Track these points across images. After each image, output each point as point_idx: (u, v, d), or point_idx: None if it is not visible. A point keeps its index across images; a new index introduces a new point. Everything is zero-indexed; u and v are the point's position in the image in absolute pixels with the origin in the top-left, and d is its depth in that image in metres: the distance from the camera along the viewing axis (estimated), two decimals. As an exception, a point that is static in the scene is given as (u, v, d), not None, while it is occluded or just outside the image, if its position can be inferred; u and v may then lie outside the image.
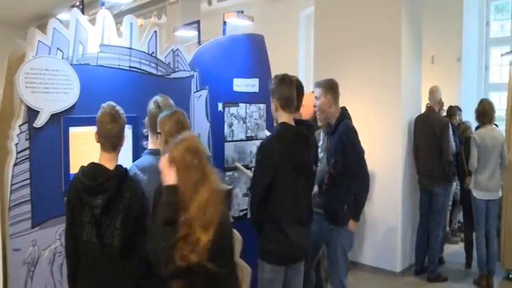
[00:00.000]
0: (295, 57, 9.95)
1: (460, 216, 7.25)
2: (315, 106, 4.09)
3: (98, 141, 2.79)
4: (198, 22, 6.21)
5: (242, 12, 4.80)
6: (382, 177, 6.05)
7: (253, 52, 4.68)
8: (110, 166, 2.73)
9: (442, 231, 6.22)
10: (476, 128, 5.94)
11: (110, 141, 2.76)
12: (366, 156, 5.92)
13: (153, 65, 3.83)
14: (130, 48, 3.67)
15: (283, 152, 3.22)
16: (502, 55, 7.78)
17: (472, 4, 9.26)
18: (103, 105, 2.83)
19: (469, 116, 7.52)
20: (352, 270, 5.84)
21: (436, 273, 5.86)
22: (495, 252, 5.72)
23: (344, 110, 4.06)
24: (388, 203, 6.05)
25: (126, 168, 2.82)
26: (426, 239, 5.94)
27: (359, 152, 3.93)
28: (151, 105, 3.20)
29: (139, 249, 2.62)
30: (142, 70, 3.76)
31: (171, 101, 3.26)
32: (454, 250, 6.96)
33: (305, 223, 3.38)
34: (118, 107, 2.83)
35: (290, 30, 9.99)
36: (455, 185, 6.71)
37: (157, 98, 3.23)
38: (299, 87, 3.84)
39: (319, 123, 4.20)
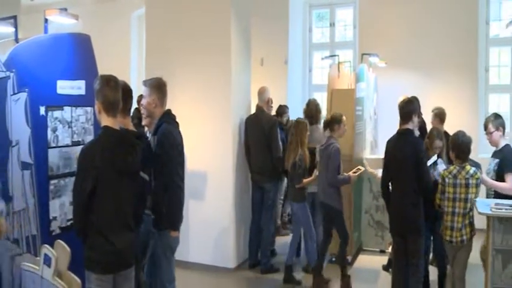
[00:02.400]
0: (127, 58, 9.74)
1: (289, 209, 7.68)
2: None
3: None
4: (14, 17, 5.68)
5: (66, 9, 4.52)
6: (214, 177, 6.22)
7: (78, 52, 4.45)
8: None
9: (273, 225, 6.58)
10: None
11: None
12: (198, 157, 6.07)
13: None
14: None
15: (105, 157, 3.12)
16: (322, 59, 8.45)
17: (296, 11, 9.93)
18: None
19: (296, 114, 8.06)
20: (185, 270, 5.90)
21: (269, 265, 6.18)
22: (319, 239, 6.19)
23: (166, 113, 3.99)
24: (221, 202, 6.23)
25: None
26: (259, 233, 6.22)
27: (172, 163, 3.83)
28: None
29: None
30: None
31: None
32: (285, 241, 7.38)
33: (131, 227, 3.32)
34: None
35: (122, 31, 9.75)
36: (285, 181, 7.14)
37: None
38: (129, 91, 3.77)
39: (143, 123, 4.13)
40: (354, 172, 5.60)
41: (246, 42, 6.66)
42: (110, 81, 3.26)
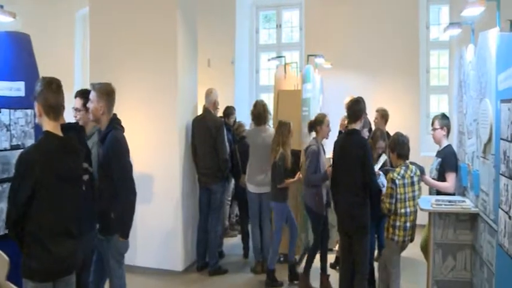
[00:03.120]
0: (71, 59, 9.47)
1: (237, 210, 7.70)
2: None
3: None
4: None
5: (2, 7, 4.35)
6: (161, 180, 6.14)
7: (17, 52, 4.31)
8: None
9: (221, 226, 6.57)
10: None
11: None
12: (144, 160, 5.99)
13: None
14: None
15: (45, 162, 3.02)
16: (268, 60, 8.51)
17: (243, 12, 9.96)
18: None
19: (243, 115, 8.10)
20: (132, 274, 5.79)
21: (217, 267, 6.16)
22: (268, 240, 6.24)
23: (114, 119, 3.91)
24: (168, 204, 6.16)
25: None
26: (206, 235, 6.19)
27: (125, 169, 3.79)
28: None
29: None
30: None
31: None
32: (233, 242, 7.42)
33: (74, 234, 3.22)
34: None
35: (65, 31, 9.47)
36: (233, 182, 7.15)
37: None
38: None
39: (80, 123, 4.07)
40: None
41: (193, 43, 6.62)
42: (51, 84, 3.15)
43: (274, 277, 5.78)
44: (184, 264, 6.28)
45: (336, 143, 5.05)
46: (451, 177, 5.01)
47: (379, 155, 5.39)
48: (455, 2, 7.22)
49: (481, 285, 4.26)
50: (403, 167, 4.81)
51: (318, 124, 5.65)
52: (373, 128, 6.69)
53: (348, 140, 4.88)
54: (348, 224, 4.87)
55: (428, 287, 4.73)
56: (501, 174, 3.63)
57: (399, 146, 4.86)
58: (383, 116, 6.70)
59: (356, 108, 4.90)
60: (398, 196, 4.74)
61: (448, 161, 5.08)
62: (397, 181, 4.73)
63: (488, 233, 4.02)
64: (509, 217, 3.39)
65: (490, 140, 4.02)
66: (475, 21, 5.02)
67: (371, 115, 6.79)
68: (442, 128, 5.20)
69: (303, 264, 5.75)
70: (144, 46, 6.23)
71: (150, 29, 6.20)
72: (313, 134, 5.84)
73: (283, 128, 5.76)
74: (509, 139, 3.46)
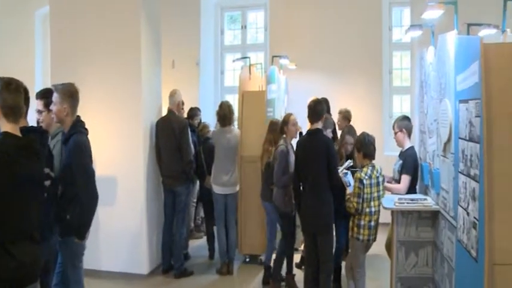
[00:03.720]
0: (32, 59, 9.25)
1: (202, 212, 7.65)
2: None
3: None
4: None
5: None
6: (125, 182, 6.06)
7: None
8: None
9: (186, 228, 6.53)
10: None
11: None
12: (107, 162, 5.91)
13: None
14: None
15: (4, 165, 2.92)
16: (233, 61, 8.50)
17: (208, 13, 9.94)
18: None
19: (208, 117, 8.07)
20: (97, 279, 5.72)
21: (182, 269, 6.11)
22: (234, 241, 6.25)
23: (77, 121, 3.84)
24: (132, 208, 6.07)
25: None
26: (171, 237, 6.14)
27: (87, 174, 3.74)
28: None
29: None
30: None
31: None
32: (199, 244, 7.38)
33: (36, 239, 3.12)
34: None
35: (25, 30, 9.24)
36: (197, 183, 7.11)
37: None
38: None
39: (43, 126, 3.96)
40: None
41: (157, 44, 6.55)
42: (10, 84, 3.02)
43: (271, 273, 5.79)
44: (150, 268, 6.21)
45: (299, 143, 5.07)
46: (404, 179, 5.12)
47: (348, 155, 5.45)
48: (416, 4, 7.35)
49: (442, 281, 4.36)
50: (370, 167, 4.87)
51: (284, 124, 5.68)
52: (338, 128, 6.78)
53: (312, 140, 4.90)
54: (312, 223, 4.89)
55: (392, 284, 4.81)
56: (460, 173, 3.71)
57: (365, 146, 4.92)
58: (345, 117, 6.79)
59: (318, 108, 4.93)
60: (365, 196, 4.80)
61: (406, 164, 5.18)
62: (364, 181, 4.79)
63: (449, 230, 4.11)
64: (468, 213, 3.47)
65: (449, 139, 4.11)
66: (434, 23, 5.13)
67: (335, 116, 6.88)
68: (401, 130, 5.29)
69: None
70: (107, 47, 6.13)
71: (113, 28, 6.11)
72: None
73: (274, 126, 5.75)
74: (467, 138, 3.55)
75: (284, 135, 5.67)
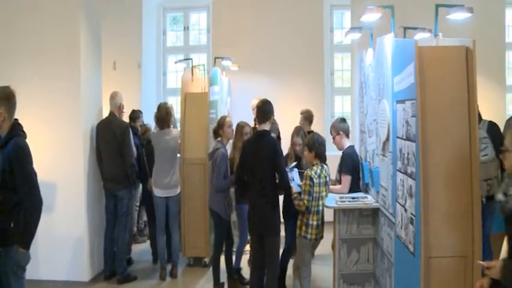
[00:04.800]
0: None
1: (145, 216, 7.52)
2: None
3: None
4: None
5: None
6: (64, 187, 5.86)
7: None
8: None
9: (128, 233, 6.40)
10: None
11: None
12: (45, 167, 5.68)
13: None
14: None
15: None
16: (175, 62, 8.44)
17: (150, 14, 9.80)
18: None
19: (150, 119, 7.93)
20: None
21: (125, 274, 5.98)
22: (177, 244, 6.18)
23: (15, 124, 3.68)
24: (73, 213, 5.88)
25: None
26: (113, 242, 6.00)
27: (30, 177, 3.59)
28: None
29: None
30: None
31: None
32: (142, 248, 7.25)
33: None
34: None
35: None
36: (140, 187, 6.99)
37: None
38: None
39: None
40: None
41: (97, 44, 6.39)
42: None
43: (241, 275, 5.77)
44: (92, 274, 6.04)
45: (247, 145, 5.03)
46: (344, 179, 5.24)
47: (296, 156, 5.50)
48: (356, 8, 7.54)
49: (382, 276, 4.48)
50: (319, 166, 4.94)
51: (219, 127, 5.66)
52: (281, 134, 6.84)
53: (259, 141, 4.85)
54: (260, 225, 4.86)
55: (335, 281, 4.90)
56: (398, 171, 3.83)
57: (317, 146, 4.98)
58: (306, 117, 6.87)
59: (266, 109, 4.90)
60: (314, 194, 4.86)
61: (343, 163, 5.30)
62: (314, 179, 4.85)
63: (388, 226, 4.24)
64: (405, 210, 3.59)
65: (388, 138, 4.24)
66: (373, 26, 5.28)
67: (282, 117, 6.92)
68: (338, 133, 5.40)
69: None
70: (43, 47, 5.92)
71: (50, 28, 5.91)
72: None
73: (246, 129, 5.68)
74: (404, 137, 3.67)
75: (219, 138, 5.66)
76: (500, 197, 2.73)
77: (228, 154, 5.65)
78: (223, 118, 5.72)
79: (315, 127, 6.98)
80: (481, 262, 2.78)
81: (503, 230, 5.59)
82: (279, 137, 6.60)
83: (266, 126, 4.89)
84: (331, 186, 5.24)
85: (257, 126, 5.02)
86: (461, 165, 3.31)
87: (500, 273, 2.62)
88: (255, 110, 5.06)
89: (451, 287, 3.36)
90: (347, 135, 5.44)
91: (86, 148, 5.98)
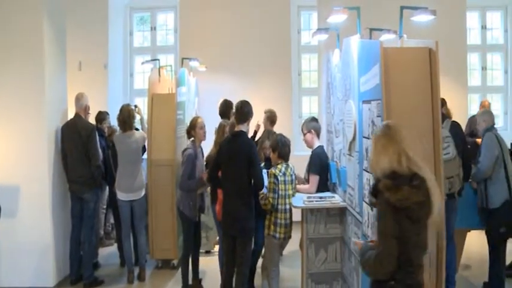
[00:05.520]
0: None
1: (112, 219, 7.40)
2: None
3: None
4: None
5: None
6: (28, 190, 5.72)
7: None
8: None
9: (95, 236, 6.30)
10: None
11: None
12: (8, 170, 5.60)
13: None
14: None
15: None
16: (142, 63, 8.34)
17: (116, 14, 9.67)
18: None
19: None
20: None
21: (92, 278, 5.87)
22: (144, 247, 6.11)
23: None
24: (37, 217, 5.74)
25: None
26: (80, 246, 5.90)
27: None
28: None
29: None
30: None
31: None
32: (109, 252, 7.15)
33: None
34: None
35: None
36: (107, 189, 6.89)
37: None
38: None
39: None
40: None
41: (61, 44, 6.26)
42: None
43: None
44: (57, 279, 5.90)
45: (223, 145, 4.97)
46: (311, 179, 5.29)
47: (266, 158, 5.51)
48: (323, 9, 7.62)
49: (349, 274, 4.53)
50: (284, 165, 4.96)
51: (191, 128, 5.64)
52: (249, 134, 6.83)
53: (236, 142, 4.80)
54: (234, 226, 4.79)
55: (303, 280, 4.93)
56: (364, 170, 3.89)
57: (281, 147, 5.01)
58: (269, 117, 6.88)
59: (245, 109, 4.85)
60: (280, 192, 4.87)
61: (311, 163, 5.35)
62: (279, 177, 4.86)
63: (355, 225, 4.29)
64: (372, 209, 3.63)
65: (354, 138, 4.29)
66: (340, 27, 5.34)
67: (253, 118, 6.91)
68: (309, 131, 5.45)
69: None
70: (6, 47, 5.77)
71: (12, 27, 5.76)
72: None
73: (225, 129, 5.62)
74: (370, 137, 3.72)
75: (192, 139, 5.64)
76: None
77: (205, 154, 5.65)
78: (195, 119, 5.68)
79: (281, 127, 6.98)
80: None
81: (464, 226, 5.77)
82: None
83: (243, 127, 4.85)
84: (298, 186, 5.27)
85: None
86: (425, 163, 3.37)
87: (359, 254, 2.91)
88: (234, 110, 5.04)
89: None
90: (318, 135, 5.49)
91: (50, 150, 5.85)
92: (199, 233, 5.81)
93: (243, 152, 4.70)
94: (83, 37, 8.72)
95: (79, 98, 6.06)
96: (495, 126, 5.46)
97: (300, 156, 6.63)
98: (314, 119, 5.62)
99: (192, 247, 5.60)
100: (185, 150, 5.52)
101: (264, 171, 5.18)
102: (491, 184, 5.13)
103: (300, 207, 4.81)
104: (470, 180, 5.41)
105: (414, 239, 2.66)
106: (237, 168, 4.72)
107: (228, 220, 4.85)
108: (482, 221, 5.41)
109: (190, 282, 5.59)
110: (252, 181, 4.72)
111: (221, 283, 5.12)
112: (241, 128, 4.85)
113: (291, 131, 8.47)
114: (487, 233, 5.34)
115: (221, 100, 6.71)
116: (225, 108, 6.53)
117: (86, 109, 6.12)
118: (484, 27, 9.76)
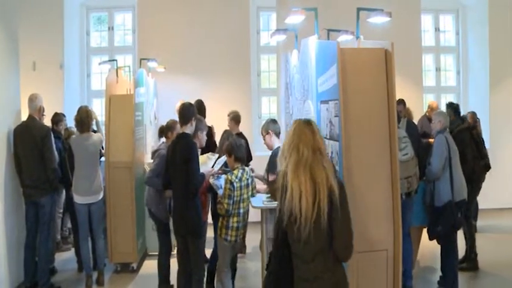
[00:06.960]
0: None
1: (69, 223, 7.22)
2: None
3: None
4: None
5: None
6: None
7: None
8: None
9: (52, 241, 6.13)
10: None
11: None
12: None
13: None
14: None
15: None
16: (99, 64, 8.19)
17: (72, 13, 9.47)
18: None
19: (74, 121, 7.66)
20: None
21: (48, 285, 5.69)
22: (103, 250, 5.99)
23: None
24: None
25: None
26: (34, 252, 5.72)
27: None
28: None
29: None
30: None
31: None
32: (67, 257, 6.96)
33: None
34: None
35: None
36: (64, 193, 6.72)
37: None
38: None
39: None
40: None
41: (14, 44, 6.06)
42: None
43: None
44: (10, 286, 5.72)
45: (169, 147, 5.00)
46: (271, 179, 5.28)
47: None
48: (281, 10, 7.67)
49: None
50: (241, 170, 4.94)
51: (169, 130, 5.61)
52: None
53: (178, 144, 4.83)
54: (182, 226, 4.82)
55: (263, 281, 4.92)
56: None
57: (236, 150, 4.99)
58: (233, 118, 6.87)
59: (188, 112, 4.89)
60: (235, 198, 4.86)
61: (271, 163, 5.36)
62: (235, 184, 4.84)
63: (315, 225, 4.31)
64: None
65: (312, 138, 4.31)
66: (298, 28, 5.38)
67: (209, 118, 6.89)
68: (268, 132, 5.47)
69: (142, 270, 5.60)
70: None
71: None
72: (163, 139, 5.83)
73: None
74: (328, 137, 3.76)
75: (166, 140, 5.60)
76: None
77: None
78: (174, 122, 5.61)
79: (241, 128, 7.00)
80: None
81: (418, 223, 5.92)
82: (210, 134, 6.54)
83: (187, 129, 4.86)
84: (258, 186, 5.28)
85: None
86: (382, 163, 3.44)
87: None
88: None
89: (375, 280, 3.49)
90: (277, 136, 5.51)
91: (2, 154, 5.64)
92: (169, 235, 5.69)
93: (182, 153, 4.73)
94: (37, 36, 8.51)
95: (33, 99, 5.87)
96: (447, 129, 5.61)
97: (260, 157, 6.65)
98: (273, 121, 5.65)
99: (170, 245, 5.61)
100: (158, 150, 5.52)
101: (223, 177, 5.14)
102: (438, 183, 5.32)
103: (259, 208, 4.82)
104: (424, 178, 5.54)
105: None
106: (178, 169, 4.75)
107: (177, 220, 4.90)
108: (426, 218, 5.59)
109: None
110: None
111: (177, 283, 5.08)
112: (185, 129, 4.85)
113: (251, 132, 8.48)
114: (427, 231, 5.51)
115: (179, 103, 6.63)
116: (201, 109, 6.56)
117: (41, 110, 5.94)
118: (437, 29, 10.05)
